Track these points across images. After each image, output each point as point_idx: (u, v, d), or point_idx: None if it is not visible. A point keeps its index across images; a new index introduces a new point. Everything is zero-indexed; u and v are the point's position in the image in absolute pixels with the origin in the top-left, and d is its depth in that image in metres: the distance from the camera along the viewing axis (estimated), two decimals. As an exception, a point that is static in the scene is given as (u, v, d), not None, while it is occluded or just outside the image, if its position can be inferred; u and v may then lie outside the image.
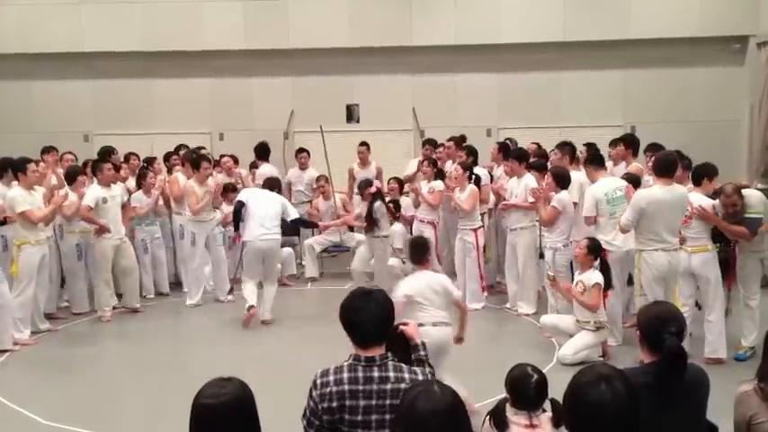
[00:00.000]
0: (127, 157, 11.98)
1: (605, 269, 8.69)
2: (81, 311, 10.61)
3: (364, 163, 12.96)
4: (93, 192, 10.26)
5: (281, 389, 5.45)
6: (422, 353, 4.45)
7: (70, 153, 11.71)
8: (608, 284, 8.66)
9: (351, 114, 14.58)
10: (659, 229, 7.86)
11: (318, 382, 4.01)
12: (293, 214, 10.40)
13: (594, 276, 8.62)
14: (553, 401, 4.62)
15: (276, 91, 14.76)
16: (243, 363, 8.46)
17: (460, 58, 14.50)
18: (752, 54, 14.29)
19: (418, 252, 7.26)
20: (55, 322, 10.16)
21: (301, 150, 13.31)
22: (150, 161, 12.14)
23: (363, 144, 12.99)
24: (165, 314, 10.72)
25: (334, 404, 3.95)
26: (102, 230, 10.25)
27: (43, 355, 9.13)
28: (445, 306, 6.96)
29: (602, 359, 8.61)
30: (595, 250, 8.72)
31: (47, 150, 11.58)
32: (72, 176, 10.35)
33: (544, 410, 4.66)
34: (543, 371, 4.86)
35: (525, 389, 4.65)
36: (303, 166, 13.20)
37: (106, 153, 11.59)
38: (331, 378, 3.98)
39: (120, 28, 14.46)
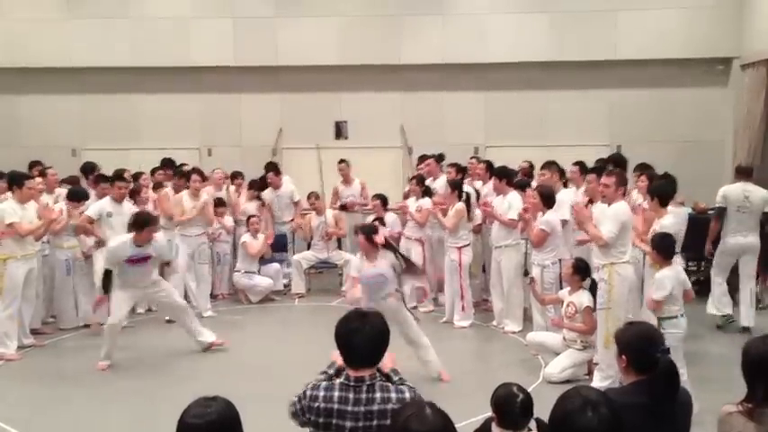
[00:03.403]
0: (119, 173, 11.25)
1: (594, 289, 8.37)
2: (68, 327, 10.37)
3: (347, 180, 12.83)
4: (100, 204, 10.19)
5: (267, 406, 5.30)
6: (395, 378, 4.24)
7: (51, 168, 11.24)
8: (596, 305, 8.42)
9: (339, 131, 14.39)
10: (628, 242, 7.96)
11: (308, 393, 3.99)
12: None
13: (585, 299, 8.45)
14: (538, 421, 4.53)
15: (264, 107, 14.58)
16: (228, 378, 8.36)
17: (448, 76, 14.34)
18: (736, 76, 14.30)
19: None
20: (40, 338, 9.95)
21: (271, 169, 12.86)
22: (137, 177, 11.65)
23: (342, 161, 12.83)
24: (153, 329, 10.31)
25: (321, 420, 3.93)
26: (100, 243, 9.99)
27: (28, 370, 8.89)
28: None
29: (587, 377, 8.39)
30: (582, 270, 8.55)
31: (33, 165, 11.47)
32: (78, 197, 10.17)
33: (530, 430, 4.57)
34: (529, 389, 4.82)
35: (510, 409, 4.57)
36: (276, 186, 12.86)
37: (89, 169, 11.57)
38: (321, 394, 3.95)
39: (108, 43, 14.25)
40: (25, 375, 8.82)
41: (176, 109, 14.64)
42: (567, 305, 8.62)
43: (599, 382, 7.84)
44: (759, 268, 10.35)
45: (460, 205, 10.36)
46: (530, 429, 4.59)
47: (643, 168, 10.08)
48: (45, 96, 14.73)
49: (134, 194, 11.13)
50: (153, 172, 12.21)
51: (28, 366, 9.09)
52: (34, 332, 10.01)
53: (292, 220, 12.94)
